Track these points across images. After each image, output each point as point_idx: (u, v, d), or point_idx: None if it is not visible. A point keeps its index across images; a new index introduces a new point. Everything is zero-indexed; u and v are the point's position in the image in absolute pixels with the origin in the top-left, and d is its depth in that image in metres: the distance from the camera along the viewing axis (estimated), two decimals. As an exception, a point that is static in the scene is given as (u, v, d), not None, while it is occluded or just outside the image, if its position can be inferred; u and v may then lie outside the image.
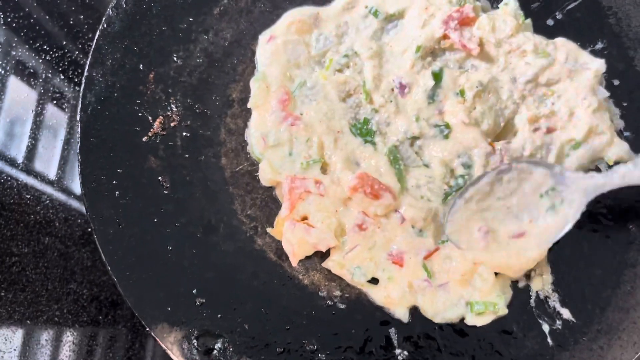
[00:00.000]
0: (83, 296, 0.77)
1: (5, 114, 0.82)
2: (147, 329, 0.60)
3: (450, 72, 0.66)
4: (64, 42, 0.84)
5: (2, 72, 0.82)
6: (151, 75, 0.68)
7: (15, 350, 0.75)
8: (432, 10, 0.68)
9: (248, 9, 0.71)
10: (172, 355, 0.60)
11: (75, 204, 0.80)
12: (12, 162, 0.81)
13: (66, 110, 0.83)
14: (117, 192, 0.64)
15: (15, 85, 0.83)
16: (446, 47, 0.68)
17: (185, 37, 0.70)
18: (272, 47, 0.69)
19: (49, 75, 0.82)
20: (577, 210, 0.59)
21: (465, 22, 0.68)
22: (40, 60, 0.83)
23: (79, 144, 0.65)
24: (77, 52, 0.83)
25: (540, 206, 0.60)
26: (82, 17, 0.84)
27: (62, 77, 0.83)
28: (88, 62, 0.68)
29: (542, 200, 0.60)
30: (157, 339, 0.60)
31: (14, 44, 0.83)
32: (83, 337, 0.75)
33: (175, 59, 0.69)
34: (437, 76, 0.65)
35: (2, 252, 0.78)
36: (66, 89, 0.83)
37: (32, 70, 0.83)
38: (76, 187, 0.81)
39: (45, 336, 0.76)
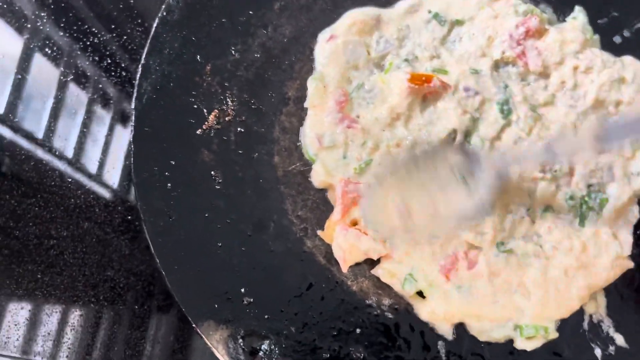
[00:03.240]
0: (120, 284, 0.76)
1: (52, 103, 0.82)
2: (193, 325, 0.60)
3: (518, 86, 0.64)
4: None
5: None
6: (208, 67, 0.67)
7: (49, 334, 0.75)
8: (499, 20, 0.67)
9: (309, 6, 0.70)
10: (217, 354, 0.59)
11: (116, 190, 0.79)
12: (53, 148, 0.81)
13: (111, 105, 0.82)
14: (169, 184, 0.64)
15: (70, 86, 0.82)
16: (509, 60, 0.67)
17: (244, 30, 0.69)
18: (331, 46, 0.68)
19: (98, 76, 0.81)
20: (489, 188, 0.58)
21: (532, 35, 0.66)
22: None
23: (132, 133, 0.64)
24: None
25: (453, 187, 0.60)
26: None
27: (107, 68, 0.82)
28: (145, 50, 0.67)
29: (457, 181, 0.60)
30: (203, 336, 0.59)
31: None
32: (119, 325, 0.75)
33: (233, 52, 0.68)
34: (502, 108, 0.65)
35: (41, 235, 0.78)
36: (111, 88, 0.82)
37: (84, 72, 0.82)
38: (117, 174, 0.80)
39: (80, 321, 0.75)
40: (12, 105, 0.82)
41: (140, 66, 0.66)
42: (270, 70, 0.68)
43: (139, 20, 0.84)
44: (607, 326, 0.61)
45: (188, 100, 0.66)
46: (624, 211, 0.63)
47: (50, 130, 0.81)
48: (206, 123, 0.66)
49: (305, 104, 0.66)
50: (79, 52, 0.83)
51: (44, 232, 0.78)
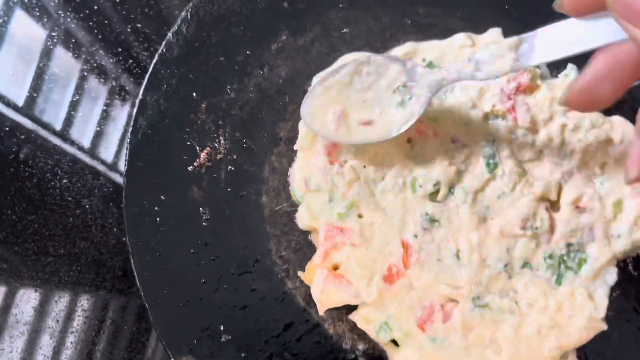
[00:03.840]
0: (111, 305, 0.79)
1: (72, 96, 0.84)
2: (172, 359, 0.62)
3: (506, 140, 0.65)
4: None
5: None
6: (203, 105, 0.69)
7: (40, 349, 0.78)
8: (492, 74, 0.67)
9: (306, 48, 0.72)
10: (193, 388, 0.61)
11: (113, 211, 0.82)
12: (56, 164, 0.83)
13: (115, 122, 0.84)
14: (158, 219, 0.66)
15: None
16: (499, 113, 0.68)
17: (241, 70, 0.71)
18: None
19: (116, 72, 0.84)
20: (422, 106, 0.62)
21: (523, 90, 0.67)
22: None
23: (125, 167, 0.67)
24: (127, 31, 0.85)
25: (391, 100, 0.63)
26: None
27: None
28: (143, 86, 0.69)
29: (394, 96, 0.63)
30: (181, 370, 0.62)
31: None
32: (111, 346, 0.77)
33: (228, 91, 0.70)
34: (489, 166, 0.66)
35: (39, 251, 0.81)
36: (129, 82, 0.84)
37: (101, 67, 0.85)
38: (115, 196, 0.83)
39: (71, 339, 0.78)
40: (32, 96, 0.85)
41: (137, 101, 0.68)
42: (264, 111, 0.70)
43: (159, 13, 0.85)
44: (576, 387, 0.61)
45: (182, 137, 0.68)
46: (601, 272, 0.64)
47: (68, 121, 0.84)
48: (198, 160, 0.68)
49: (295, 147, 0.68)
50: (98, 46, 0.85)
51: (42, 248, 0.81)
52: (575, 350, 0.62)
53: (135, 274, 0.64)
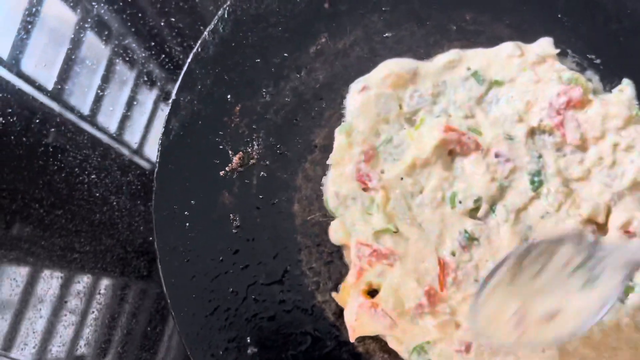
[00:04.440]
0: (134, 304, 0.78)
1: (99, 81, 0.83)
2: (197, 368, 0.60)
3: (553, 157, 0.62)
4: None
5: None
6: (238, 108, 0.67)
7: (63, 345, 0.78)
8: (541, 85, 0.64)
9: (345, 51, 0.69)
10: (217, 401, 0.60)
11: (141, 209, 0.80)
12: (85, 159, 0.82)
13: (155, 87, 0.83)
14: (187, 224, 0.64)
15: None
16: (546, 129, 0.64)
17: (277, 72, 0.68)
18: (363, 98, 0.66)
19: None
20: (616, 286, 0.51)
21: (574, 106, 0.63)
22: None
23: (156, 169, 0.65)
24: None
25: (571, 284, 0.52)
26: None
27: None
28: (177, 85, 0.67)
29: (573, 278, 0.52)
30: (205, 381, 0.60)
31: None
32: (131, 345, 0.77)
33: (264, 94, 0.68)
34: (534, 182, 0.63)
35: (65, 246, 0.80)
36: (157, 71, 0.83)
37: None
38: (143, 194, 0.81)
39: (89, 334, 0.77)
40: (61, 81, 0.84)
41: (170, 101, 0.66)
42: (300, 116, 0.68)
43: (193, 8, 0.84)
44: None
45: (214, 141, 0.66)
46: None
47: (96, 106, 0.83)
48: (230, 165, 0.66)
49: (329, 161, 0.65)
50: (130, 37, 0.84)
51: (68, 244, 0.80)
52: None
53: (162, 280, 0.62)
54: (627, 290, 0.60)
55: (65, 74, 0.84)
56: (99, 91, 0.84)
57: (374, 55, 0.69)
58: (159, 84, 0.83)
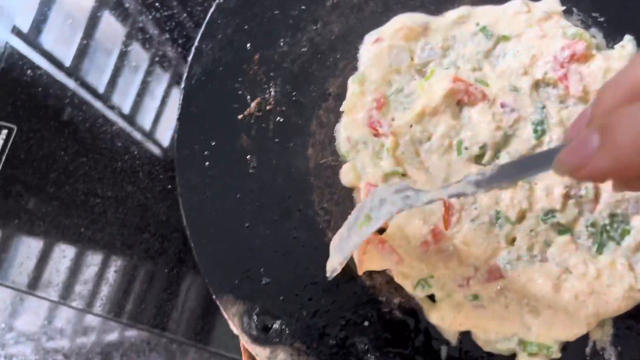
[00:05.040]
0: (154, 247, 0.82)
1: (115, 60, 0.87)
2: (214, 297, 0.64)
3: (556, 108, 0.65)
4: None
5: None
6: (256, 56, 0.71)
7: (82, 282, 0.82)
8: (546, 41, 0.67)
9: (360, 6, 0.72)
10: (231, 326, 0.64)
11: (160, 159, 0.84)
12: (111, 103, 0.86)
13: (170, 68, 0.87)
14: (207, 163, 0.68)
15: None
16: (550, 81, 0.67)
17: (295, 24, 0.72)
18: (376, 49, 0.70)
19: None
20: None
21: (577, 59, 0.66)
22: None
23: (179, 112, 0.69)
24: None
25: None
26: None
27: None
28: (200, 33, 0.71)
29: None
30: (221, 308, 0.64)
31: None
32: (150, 285, 0.81)
33: (281, 44, 0.71)
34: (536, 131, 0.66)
35: (88, 192, 0.84)
36: (171, 51, 0.86)
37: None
38: (164, 146, 0.85)
39: (117, 277, 0.81)
40: (78, 59, 0.88)
41: (193, 48, 0.70)
42: (315, 66, 0.71)
43: None
44: (610, 354, 0.62)
45: (234, 86, 0.70)
46: (644, 245, 0.63)
47: (111, 86, 0.87)
48: (248, 109, 0.70)
49: (342, 108, 0.69)
50: (145, 13, 0.88)
51: (91, 190, 0.84)
52: (612, 320, 0.62)
53: (183, 214, 0.66)
54: (623, 233, 0.63)
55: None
56: (122, 47, 0.88)
57: (387, 10, 0.72)
58: (172, 62, 0.87)
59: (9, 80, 0.89)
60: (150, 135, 0.85)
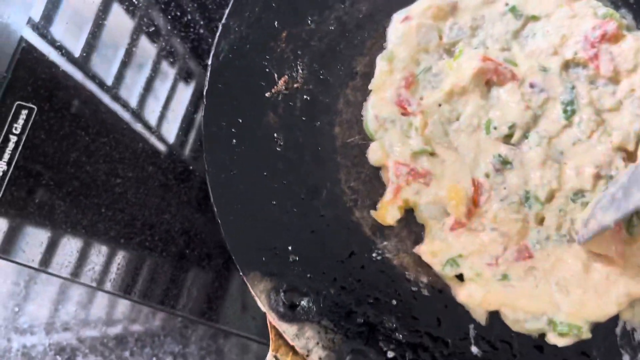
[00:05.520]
0: (175, 228, 0.81)
1: (124, 53, 0.87)
2: (241, 274, 0.64)
3: (586, 89, 0.65)
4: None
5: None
6: (284, 34, 0.70)
7: (103, 264, 0.81)
8: (576, 21, 0.67)
9: (388, -16, 0.72)
10: (259, 303, 0.63)
11: (182, 139, 0.84)
12: (130, 92, 0.86)
13: (178, 61, 0.86)
14: (234, 140, 0.67)
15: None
16: (580, 62, 0.67)
17: (322, 2, 0.71)
18: (405, 27, 0.69)
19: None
20: None
21: (608, 39, 0.66)
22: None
23: (206, 88, 0.68)
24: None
25: None
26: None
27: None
28: (227, 11, 0.70)
29: None
30: (248, 285, 0.63)
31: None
32: (168, 265, 0.80)
33: (309, 22, 0.71)
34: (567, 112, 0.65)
35: (109, 172, 0.83)
36: (181, 45, 0.86)
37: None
38: (184, 125, 0.85)
39: (133, 257, 0.81)
40: (86, 51, 0.88)
41: (220, 25, 0.70)
42: (342, 44, 0.71)
43: None
44: (640, 335, 0.61)
45: (261, 64, 0.69)
46: (676, 227, 0.63)
47: (118, 78, 0.87)
48: (275, 87, 0.69)
49: (370, 86, 0.68)
50: (155, 6, 0.87)
51: (112, 170, 0.84)
52: (643, 301, 0.62)
53: (210, 190, 0.65)
54: (655, 214, 0.63)
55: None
56: (134, 36, 0.88)
57: (415, -10, 0.71)
58: (179, 58, 0.86)
59: (28, 60, 0.88)
60: (168, 118, 0.85)
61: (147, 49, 0.87)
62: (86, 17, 0.89)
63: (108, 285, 0.80)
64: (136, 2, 0.88)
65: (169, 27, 0.87)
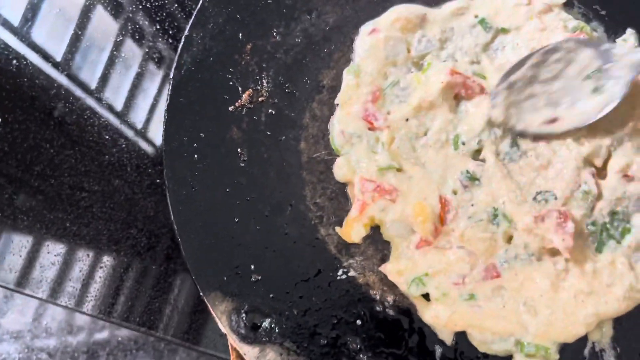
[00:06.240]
0: (141, 243, 0.80)
1: (108, 56, 0.85)
2: (201, 294, 0.62)
3: None
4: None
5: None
6: (248, 47, 0.69)
7: (70, 280, 0.79)
8: (546, 34, 0.66)
9: (356, -4, 0.70)
10: (219, 325, 0.61)
11: (149, 153, 0.82)
12: (103, 100, 0.84)
13: (162, 64, 0.84)
14: (195, 156, 0.66)
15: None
16: (552, 74, 0.65)
17: (288, 14, 0.70)
18: (372, 40, 0.68)
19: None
20: (622, 87, 0.58)
21: (577, 52, 0.65)
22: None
23: (167, 102, 0.66)
24: None
25: (583, 88, 0.60)
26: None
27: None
28: (190, 22, 0.68)
29: (586, 83, 0.60)
30: (209, 306, 0.62)
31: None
32: (135, 282, 0.78)
33: (274, 34, 0.69)
34: None
35: (74, 186, 0.81)
36: (164, 47, 0.84)
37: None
38: (153, 139, 0.83)
39: (100, 274, 0.79)
40: (69, 54, 0.86)
41: (183, 37, 0.68)
42: (309, 57, 0.69)
43: None
44: (609, 356, 0.60)
45: (225, 77, 0.68)
46: (645, 244, 0.61)
47: (103, 82, 0.85)
48: (239, 101, 0.68)
49: (336, 100, 0.67)
50: (138, 8, 0.85)
51: (77, 183, 0.82)
52: (612, 321, 0.61)
53: (170, 207, 0.64)
54: (624, 231, 0.62)
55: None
56: (115, 39, 0.86)
57: (384, 1, 0.70)
58: (165, 59, 0.84)
59: (-7, 70, 0.86)
60: (139, 129, 0.83)
61: (132, 52, 0.85)
62: (69, 19, 0.87)
63: (85, 306, 0.78)
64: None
65: (149, 29, 0.85)
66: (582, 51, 0.60)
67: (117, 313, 0.76)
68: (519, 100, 0.62)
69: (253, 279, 0.63)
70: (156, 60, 0.84)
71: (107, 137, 0.83)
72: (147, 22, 0.85)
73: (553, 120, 0.61)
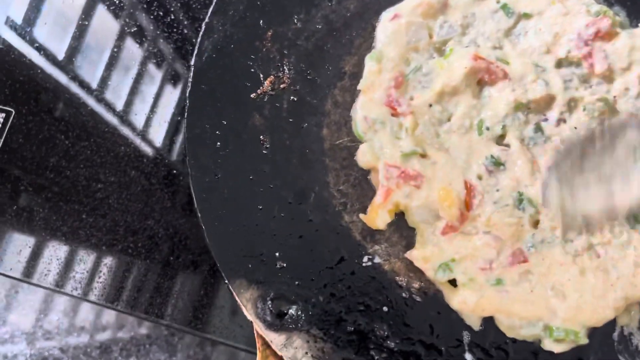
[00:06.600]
0: (158, 234, 0.79)
1: (109, 56, 0.84)
2: (225, 282, 0.61)
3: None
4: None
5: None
6: (269, 33, 0.68)
7: (87, 272, 0.78)
8: (569, 18, 0.65)
9: (376, -18, 0.70)
10: (245, 312, 0.61)
11: (166, 143, 0.81)
12: (104, 100, 0.83)
13: (164, 63, 0.84)
14: (218, 143, 0.65)
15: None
16: (573, 60, 0.65)
17: (309, 0, 0.69)
18: (394, 26, 0.67)
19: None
20: None
21: (602, 37, 0.64)
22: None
23: (189, 89, 0.66)
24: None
25: (635, 170, 0.57)
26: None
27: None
28: (211, 9, 0.68)
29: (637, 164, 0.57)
30: (234, 294, 0.61)
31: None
32: (152, 273, 0.77)
33: (295, 20, 0.69)
34: None
35: (90, 177, 0.81)
36: (167, 46, 0.83)
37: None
38: (162, 131, 0.82)
39: (116, 264, 0.78)
40: (71, 53, 0.85)
41: (203, 24, 0.67)
42: (330, 43, 0.69)
43: None
44: (638, 340, 0.60)
45: (246, 64, 0.67)
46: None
47: (104, 81, 0.84)
48: (261, 88, 0.67)
49: (359, 87, 0.66)
50: (140, 8, 0.85)
51: (93, 175, 0.81)
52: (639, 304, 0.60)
53: (194, 195, 0.63)
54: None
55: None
56: (118, 38, 0.85)
57: (405, -13, 0.69)
58: (167, 58, 0.84)
59: (6, 62, 0.85)
60: (154, 120, 0.82)
61: (132, 51, 0.84)
62: (70, 19, 0.86)
63: (91, 295, 0.77)
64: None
65: (151, 28, 0.84)
66: (628, 130, 0.58)
67: (142, 307, 0.75)
68: (571, 181, 0.59)
69: (278, 266, 0.62)
70: (178, 48, 0.84)
71: (122, 128, 0.82)
72: (165, 10, 0.85)
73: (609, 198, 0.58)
